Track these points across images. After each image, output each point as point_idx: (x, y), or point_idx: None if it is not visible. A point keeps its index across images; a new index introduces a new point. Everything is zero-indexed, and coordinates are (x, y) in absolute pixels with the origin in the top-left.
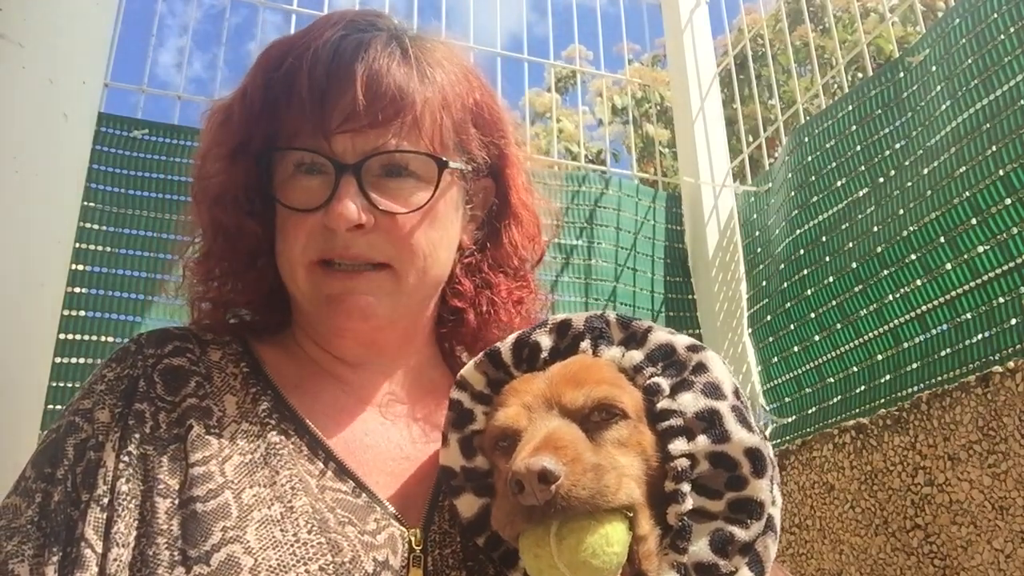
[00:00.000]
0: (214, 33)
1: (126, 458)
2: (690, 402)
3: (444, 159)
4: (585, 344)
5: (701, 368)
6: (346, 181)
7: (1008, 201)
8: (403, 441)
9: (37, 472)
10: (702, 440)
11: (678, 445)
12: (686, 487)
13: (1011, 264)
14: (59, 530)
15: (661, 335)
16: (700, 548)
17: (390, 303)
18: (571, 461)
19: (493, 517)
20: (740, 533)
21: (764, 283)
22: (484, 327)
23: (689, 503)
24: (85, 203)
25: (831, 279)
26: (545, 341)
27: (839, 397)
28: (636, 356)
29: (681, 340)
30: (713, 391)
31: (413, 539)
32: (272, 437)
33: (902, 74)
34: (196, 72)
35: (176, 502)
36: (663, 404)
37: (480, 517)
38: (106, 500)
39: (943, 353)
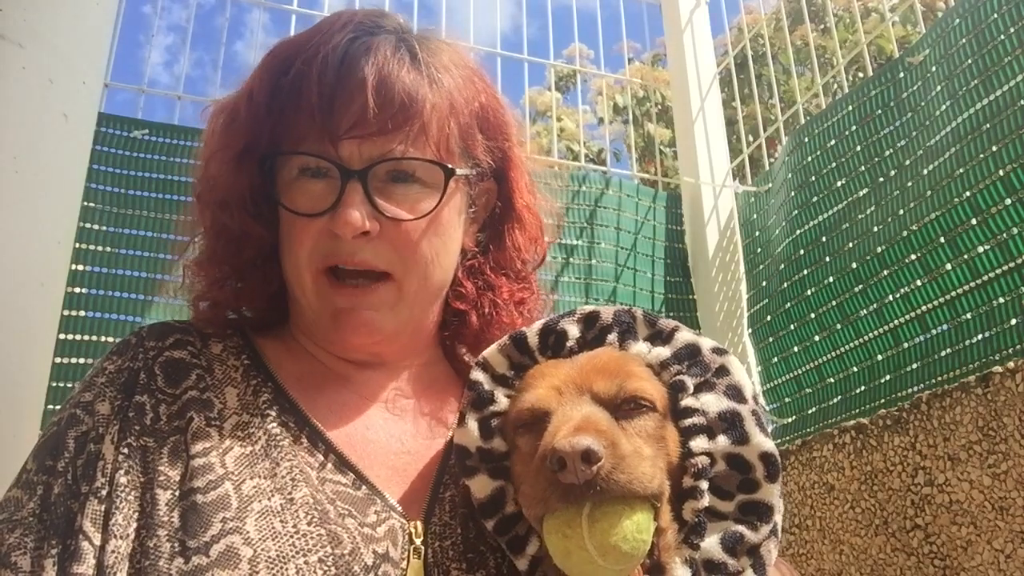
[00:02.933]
0: (200, 33)
1: (125, 450)
2: (713, 402)
3: (450, 167)
4: (612, 337)
5: (724, 371)
6: (352, 187)
7: (1008, 201)
8: (406, 436)
9: (38, 464)
10: (722, 440)
11: (699, 443)
12: (704, 484)
13: (1011, 264)
14: (59, 522)
15: (687, 335)
16: (711, 546)
17: (393, 316)
18: (610, 445)
19: (522, 495)
20: (749, 534)
21: (764, 283)
22: (486, 329)
23: (706, 500)
24: (85, 203)
25: (831, 279)
26: (573, 330)
27: (839, 397)
28: (663, 353)
29: (706, 342)
30: (735, 394)
31: (413, 531)
32: (273, 429)
33: (902, 74)
34: (183, 69)
35: (177, 494)
36: (687, 402)
37: (493, 499)
38: (104, 492)
39: (943, 353)
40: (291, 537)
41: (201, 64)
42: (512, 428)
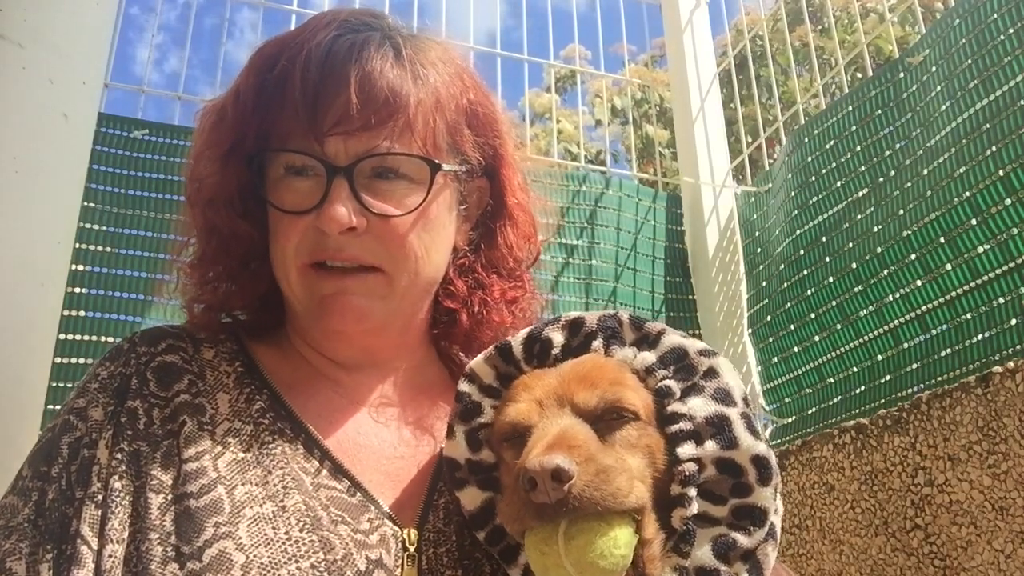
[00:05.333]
0: (185, 31)
1: (119, 455)
2: (700, 407)
3: (437, 162)
4: (597, 343)
5: (712, 373)
6: (338, 183)
7: (1008, 201)
8: (396, 441)
9: (33, 471)
10: (710, 445)
11: (686, 449)
12: (693, 491)
13: (1011, 264)
14: (54, 528)
15: (674, 338)
16: (703, 553)
17: (382, 306)
18: (584, 461)
19: (500, 512)
20: (742, 540)
21: (764, 283)
22: (477, 328)
23: (695, 507)
24: (85, 203)
25: (831, 279)
26: (557, 338)
27: (839, 397)
28: (648, 358)
29: (693, 344)
30: (723, 397)
31: (407, 538)
32: (265, 437)
33: (902, 74)
34: (173, 67)
35: (169, 498)
36: (673, 407)
37: (483, 511)
38: (100, 497)
39: (943, 353)
40: (283, 543)
41: (189, 64)
42: (497, 442)
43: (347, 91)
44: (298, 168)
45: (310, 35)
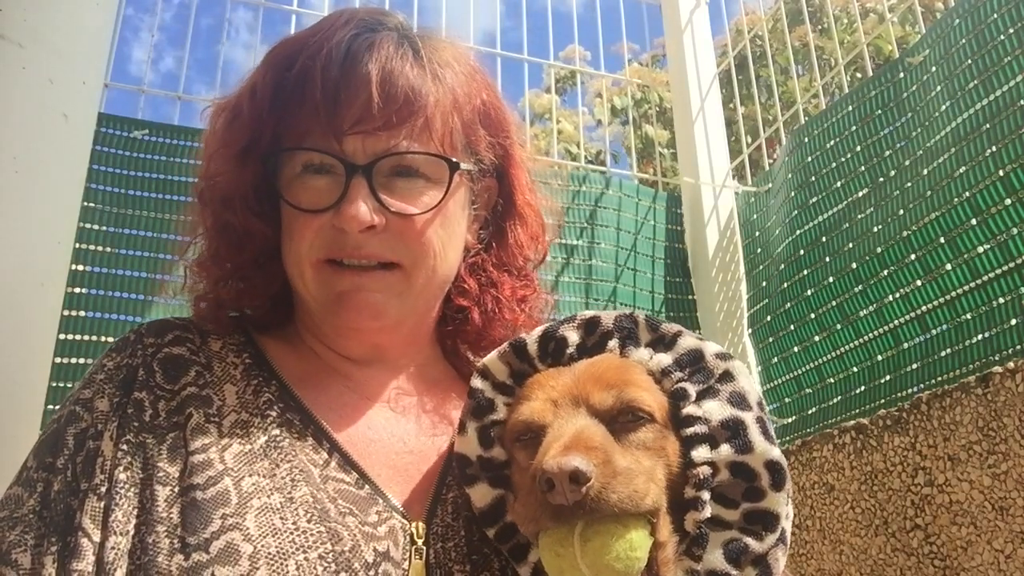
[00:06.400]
0: (180, 32)
1: (125, 447)
2: (715, 410)
3: (455, 161)
4: (613, 343)
5: (728, 377)
6: (357, 182)
7: (1008, 201)
8: (408, 435)
9: (39, 462)
10: (725, 449)
11: (701, 452)
12: (706, 495)
13: (1011, 264)
14: (59, 519)
15: (690, 340)
16: (714, 557)
17: (398, 303)
18: (602, 463)
19: (514, 512)
20: (754, 544)
21: (764, 283)
22: (489, 325)
23: (708, 511)
24: (85, 203)
25: (831, 279)
26: (573, 336)
27: (839, 397)
28: (664, 360)
29: (710, 347)
30: (739, 401)
31: (415, 532)
32: (273, 430)
33: (902, 74)
34: (169, 67)
35: (176, 490)
36: (688, 410)
37: (493, 508)
38: (104, 489)
39: (943, 353)
40: (291, 534)
41: (180, 63)
42: (510, 441)
43: (368, 90)
44: (316, 166)
45: (329, 33)
